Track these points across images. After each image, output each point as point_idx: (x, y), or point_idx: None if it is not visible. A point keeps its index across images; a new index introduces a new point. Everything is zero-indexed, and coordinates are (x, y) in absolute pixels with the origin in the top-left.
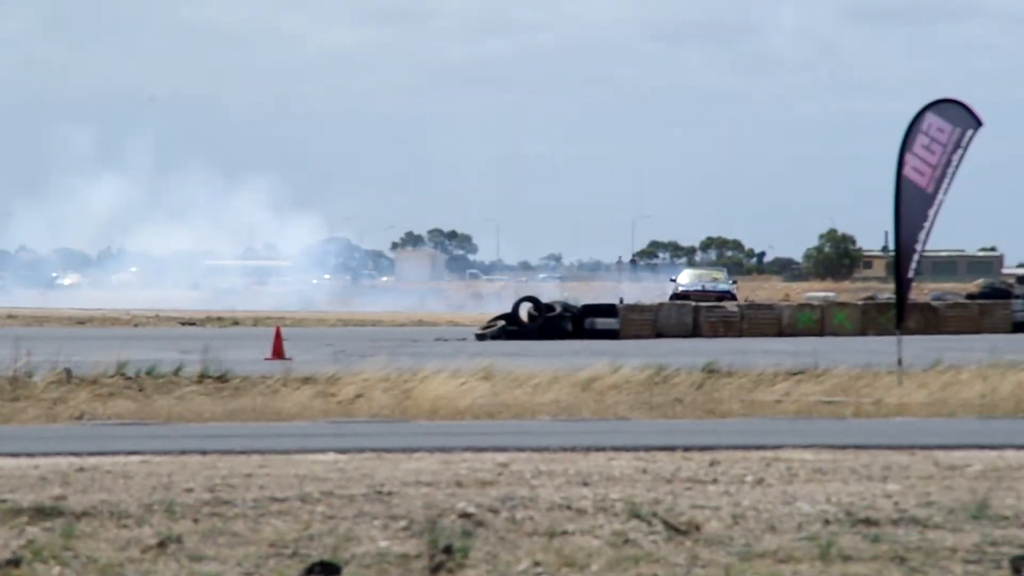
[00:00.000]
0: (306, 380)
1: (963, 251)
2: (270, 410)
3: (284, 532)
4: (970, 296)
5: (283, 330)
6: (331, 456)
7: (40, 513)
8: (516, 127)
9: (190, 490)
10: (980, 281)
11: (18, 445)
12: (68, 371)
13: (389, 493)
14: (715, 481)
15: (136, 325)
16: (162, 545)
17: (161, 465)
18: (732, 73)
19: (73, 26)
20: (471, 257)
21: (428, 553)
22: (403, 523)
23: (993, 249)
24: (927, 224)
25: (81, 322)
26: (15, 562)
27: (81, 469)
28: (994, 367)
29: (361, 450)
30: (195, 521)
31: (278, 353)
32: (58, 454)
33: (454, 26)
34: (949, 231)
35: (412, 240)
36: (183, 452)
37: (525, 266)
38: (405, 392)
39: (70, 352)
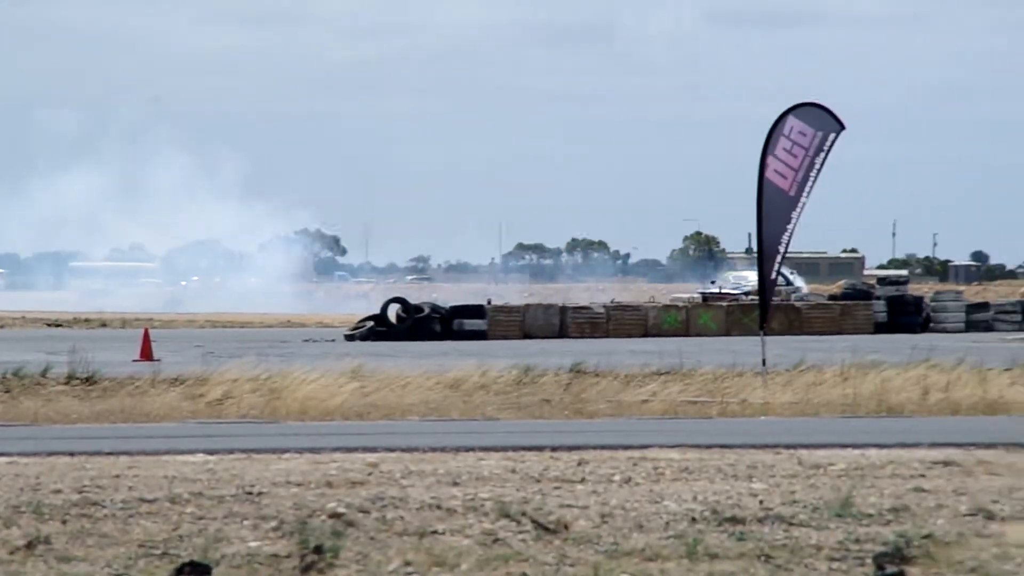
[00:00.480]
0: (175, 381)
1: (825, 253)
2: (138, 411)
3: (154, 533)
4: (832, 297)
5: (151, 331)
6: (200, 457)
7: None
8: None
9: (58, 491)
10: (842, 282)
11: None
12: None
13: (259, 494)
14: (583, 480)
15: (2, 326)
16: (30, 546)
17: (29, 466)
18: (601, 76)
19: None
20: (339, 259)
21: (299, 553)
22: (273, 523)
23: (855, 251)
24: (790, 226)
25: None
26: None
27: None
28: (856, 367)
29: (231, 451)
30: (63, 522)
31: (146, 354)
32: None
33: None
34: (812, 233)
35: (280, 242)
36: (51, 453)
37: (393, 268)
38: (274, 393)
39: None
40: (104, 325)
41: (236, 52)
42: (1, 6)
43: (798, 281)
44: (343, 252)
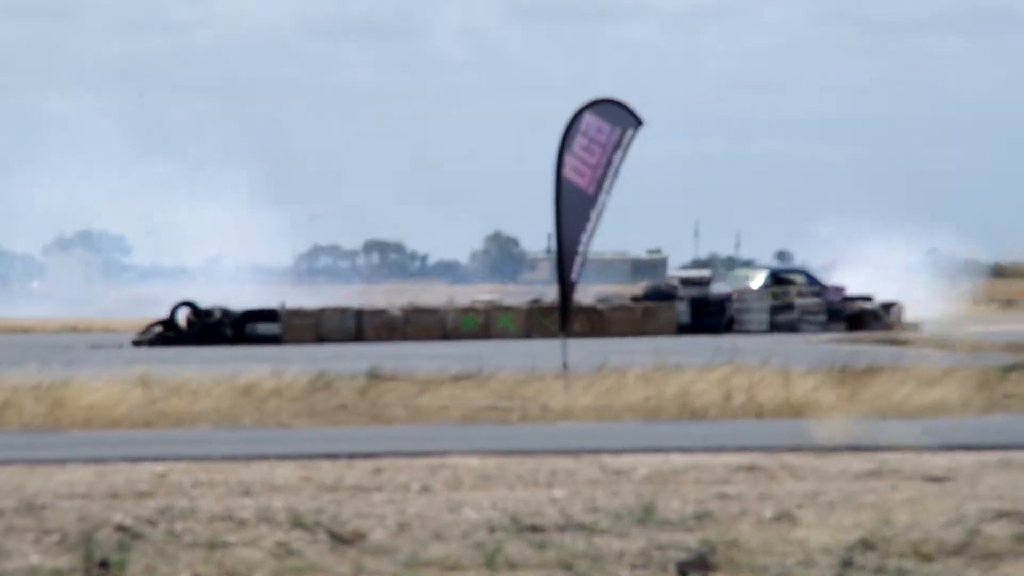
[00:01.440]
0: None
1: (628, 253)
2: None
3: None
4: (635, 298)
5: None
6: None
7: None
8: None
9: None
10: (644, 283)
11: None
12: None
13: (41, 506)
14: (380, 489)
15: None
16: None
17: None
18: (394, 71)
19: None
20: (125, 260)
21: (83, 568)
22: (57, 537)
23: (659, 251)
24: (589, 225)
25: None
26: None
27: None
28: (659, 370)
29: (10, 462)
30: None
31: None
32: None
33: (106, 22)
34: (615, 232)
35: (62, 243)
36: None
37: (182, 270)
38: (57, 401)
39: None
40: None
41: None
42: None
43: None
44: (129, 252)
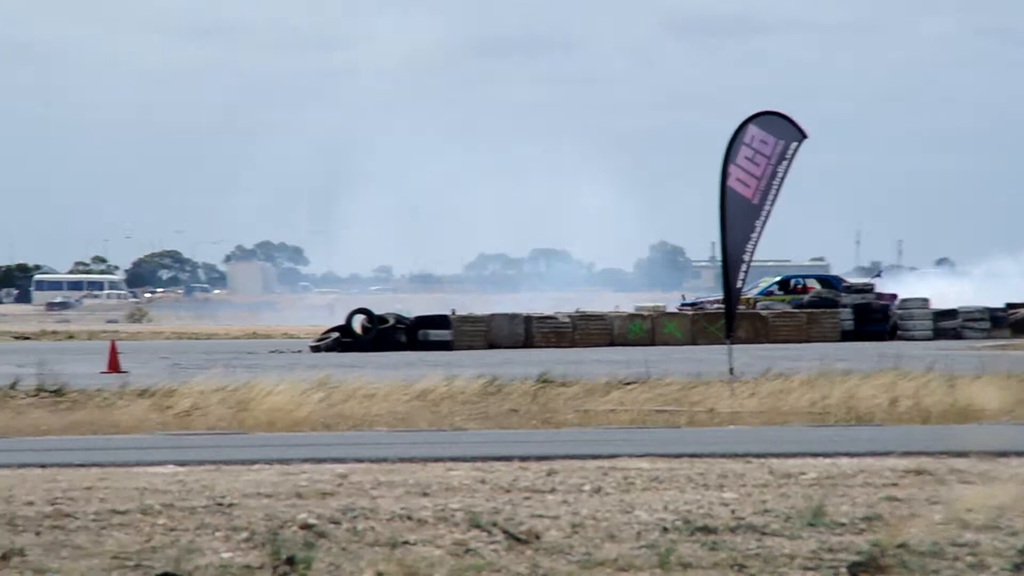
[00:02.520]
0: (143, 393)
1: (790, 261)
2: (107, 423)
3: (127, 544)
4: (799, 305)
5: (118, 343)
6: (171, 468)
7: None
8: (349, 140)
9: (31, 503)
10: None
11: None
12: None
13: (230, 505)
14: (553, 490)
15: None
16: (5, 558)
17: (0, 479)
18: (556, 85)
19: None
20: (302, 270)
21: (271, 564)
22: (245, 535)
23: (822, 259)
24: (754, 235)
25: None
26: None
27: None
28: (824, 375)
29: (200, 462)
30: (37, 534)
31: (114, 366)
32: None
33: (269, 41)
34: (778, 242)
35: (243, 254)
36: (22, 465)
37: (356, 279)
38: (242, 404)
39: None
40: (71, 337)
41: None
42: None
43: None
44: (306, 262)
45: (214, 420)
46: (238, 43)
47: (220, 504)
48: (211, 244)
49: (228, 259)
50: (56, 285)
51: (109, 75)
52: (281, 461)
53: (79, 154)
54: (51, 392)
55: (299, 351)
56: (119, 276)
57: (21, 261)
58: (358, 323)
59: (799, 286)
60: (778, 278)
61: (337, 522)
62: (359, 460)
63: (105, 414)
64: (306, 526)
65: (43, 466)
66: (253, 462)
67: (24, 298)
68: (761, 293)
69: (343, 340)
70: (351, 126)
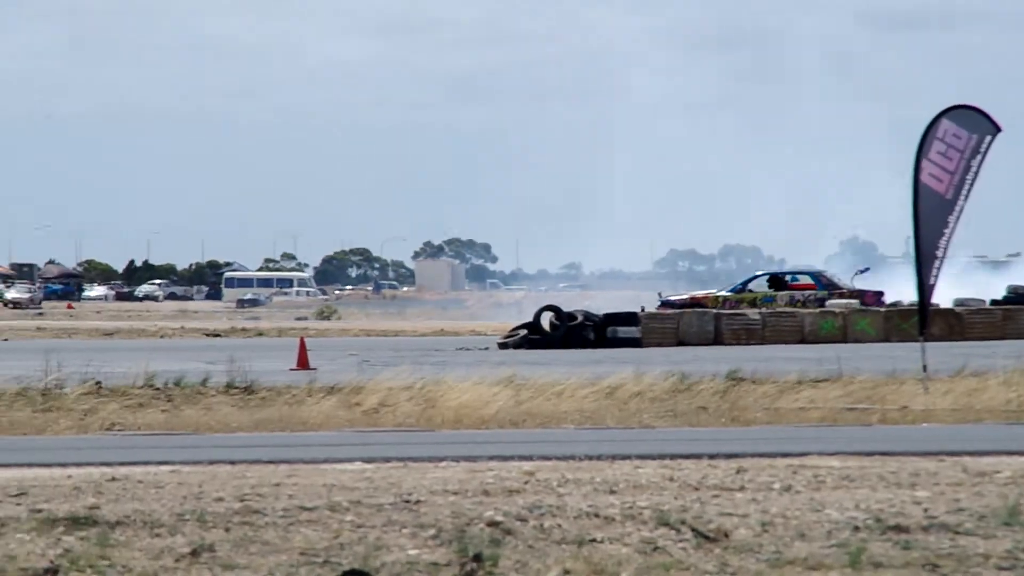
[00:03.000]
0: (331, 390)
1: (986, 256)
2: (296, 420)
3: (314, 541)
4: (995, 302)
5: (307, 340)
6: (358, 465)
7: (75, 523)
8: (526, 137)
9: (220, 499)
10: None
11: (51, 455)
12: (98, 383)
13: (417, 502)
14: (742, 488)
15: (162, 336)
16: (195, 554)
17: (191, 475)
18: (743, 81)
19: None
20: (490, 267)
21: (458, 561)
22: (432, 532)
23: (1018, 254)
24: (947, 230)
25: (108, 334)
26: (53, 571)
27: (113, 479)
28: (1020, 373)
29: (387, 459)
30: (226, 530)
31: (303, 363)
32: (90, 464)
33: (456, 37)
34: (973, 236)
35: (431, 250)
36: (212, 462)
37: (544, 275)
38: (429, 401)
39: (99, 364)
40: (261, 335)
41: (365, 61)
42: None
43: None
44: (494, 259)
45: (402, 417)
46: (440, 40)
47: (407, 501)
48: (400, 241)
49: (416, 256)
50: (246, 282)
51: (309, 73)
52: (468, 458)
53: (270, 152)
54: (241, 389)
55: (487, 348)
56: (308, 273)
57: (212, 258)
58: (546, 320)
59: (795, 283)
60: (764, 273)
61: (524, 519)
62: (546, 457)
63: (294, 411)
64: (493, 523)
65: (232, 463)
66: (440, 459)
67: (215, 295)
68: (732, 291)
69: (531, 337)
70: (525, 122)
